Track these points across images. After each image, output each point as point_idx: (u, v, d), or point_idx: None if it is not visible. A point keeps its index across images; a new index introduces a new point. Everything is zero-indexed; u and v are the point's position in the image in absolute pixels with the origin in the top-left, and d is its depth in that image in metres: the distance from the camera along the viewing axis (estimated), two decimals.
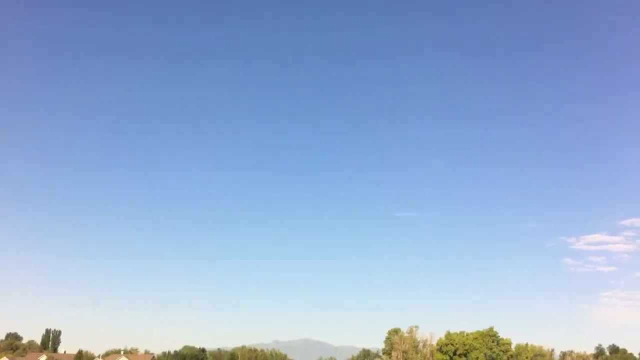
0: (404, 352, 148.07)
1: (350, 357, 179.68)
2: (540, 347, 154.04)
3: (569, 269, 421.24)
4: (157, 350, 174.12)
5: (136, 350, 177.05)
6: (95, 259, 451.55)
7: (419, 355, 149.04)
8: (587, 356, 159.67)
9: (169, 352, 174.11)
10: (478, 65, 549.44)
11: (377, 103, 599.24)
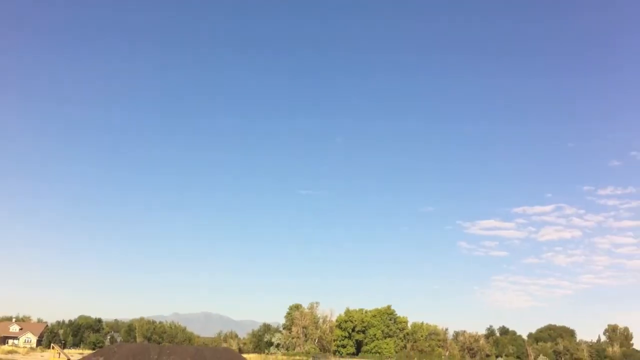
0: (304, 327, 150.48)
1: (250, 331, 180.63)
2: (435, 326, 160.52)
3: (464, 252, 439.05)
4: (51, 319, 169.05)
5: (28, 318, 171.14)
6: None
7: (318, 330, 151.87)
8: (479, 336, 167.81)
9: (63, 322, 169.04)
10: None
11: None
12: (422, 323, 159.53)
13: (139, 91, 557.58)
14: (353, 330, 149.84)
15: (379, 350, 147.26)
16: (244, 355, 79.88)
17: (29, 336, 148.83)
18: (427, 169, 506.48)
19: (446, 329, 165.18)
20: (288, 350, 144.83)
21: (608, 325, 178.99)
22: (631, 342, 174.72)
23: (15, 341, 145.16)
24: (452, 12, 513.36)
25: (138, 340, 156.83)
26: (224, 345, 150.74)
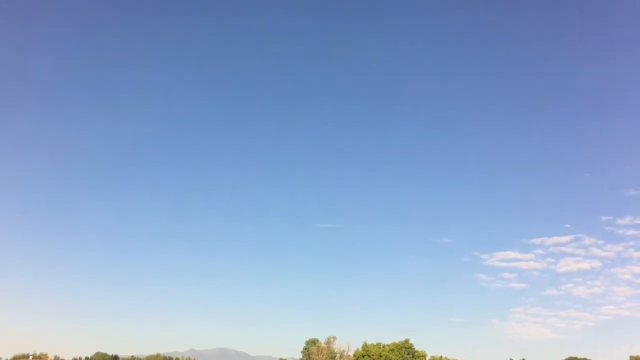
0: None
1: None
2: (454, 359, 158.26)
3: (482, 284, 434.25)
4: (68, 356, 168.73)
5: (45, 355, 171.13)
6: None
7: None
8: None
9: (80, 358, 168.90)
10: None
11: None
12: (441, 357, 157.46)
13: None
14: None
15: None
16: None
17: None
18: (443, 199, 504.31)
19: None
20: None
21: (630, 357, 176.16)
22: None
23: None
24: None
25: None
26: None
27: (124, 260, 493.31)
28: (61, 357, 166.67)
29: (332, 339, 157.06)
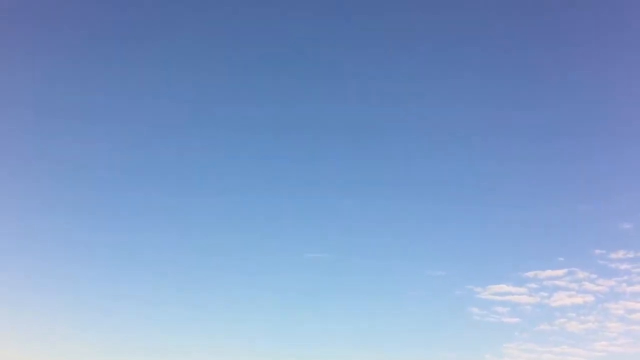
0: None
1: None
2: None
3: (475, 318, 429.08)
4: None
5: None
6: None
7: None
8: None
9: None
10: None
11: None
12: None
13: None
14: None
15: None
16: None
17: None
18: (437, 231, 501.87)
19: None
20: None
21: None
22: None
23: None
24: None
25: None
26: None
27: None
28: None
29: None
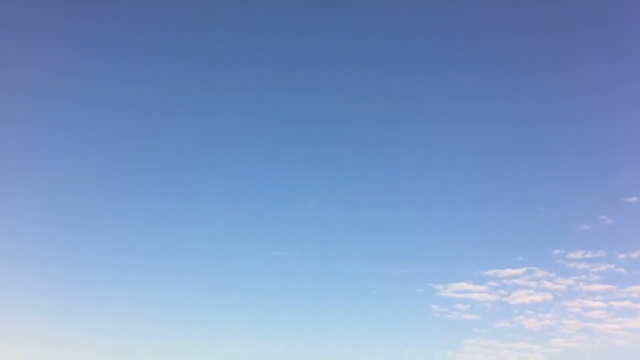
0: None
1: None
2: None
3: (436, 315, 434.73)
4: None
5: None
6: None
7: None
8: None
9: None
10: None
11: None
12: None
13: None
14: None
15: None
16: None
17: None
18: (400, 231, 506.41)
19: None
20: None
21: None
22: None
23: None
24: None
25: None
26: None
27: None
28: None
29: None
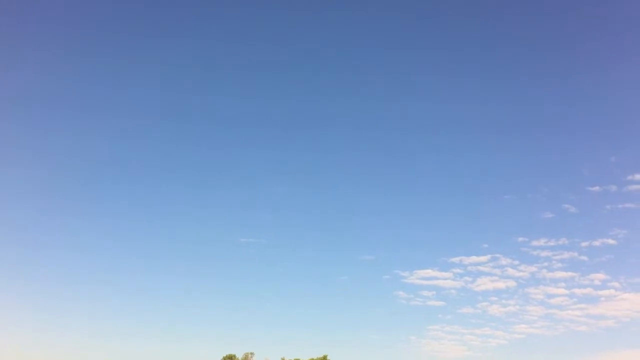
0: None
1: None
2: None
3: (402, 301, 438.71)
4: None
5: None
6: None
7: None
8: None
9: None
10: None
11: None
12: None
13: None
14: None
15: None
16: None
17: None
18: (367, 218, 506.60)
19: None
20: None
21: None
22: None
23: None
24: None
25: None
26: None
27: None
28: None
29: (249, 355, 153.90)
